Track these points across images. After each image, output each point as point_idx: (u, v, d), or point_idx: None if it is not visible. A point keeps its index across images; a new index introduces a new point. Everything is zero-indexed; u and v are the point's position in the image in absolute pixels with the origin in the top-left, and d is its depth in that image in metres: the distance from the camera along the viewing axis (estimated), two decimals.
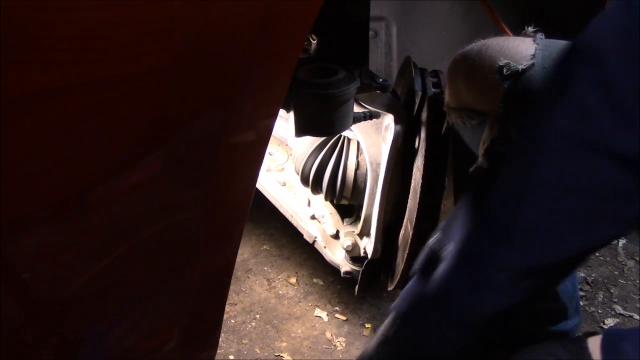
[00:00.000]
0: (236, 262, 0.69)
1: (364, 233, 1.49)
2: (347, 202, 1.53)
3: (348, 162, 1.47)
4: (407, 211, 1.30)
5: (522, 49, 0.81)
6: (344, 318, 1.71)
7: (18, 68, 0.42)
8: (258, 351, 1.60)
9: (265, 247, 1.99)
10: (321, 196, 1.55)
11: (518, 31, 0.89)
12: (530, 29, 0.86)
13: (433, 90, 1.16)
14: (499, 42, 0.85)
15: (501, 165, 0.68)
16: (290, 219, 1.71)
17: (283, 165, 1.86)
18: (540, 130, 0.63)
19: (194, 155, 0.55)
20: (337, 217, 1.61)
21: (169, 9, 0.46)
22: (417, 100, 1.19)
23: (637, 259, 1.92)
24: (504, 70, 0.79)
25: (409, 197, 1.30)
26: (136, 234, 0.56)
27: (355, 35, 0.86)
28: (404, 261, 1.27)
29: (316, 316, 1.72)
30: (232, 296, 1.77)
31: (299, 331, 1.67)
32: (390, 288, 1.44)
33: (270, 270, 1.89)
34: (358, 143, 1.44)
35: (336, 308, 1.74)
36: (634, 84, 0.55)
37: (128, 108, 0.49)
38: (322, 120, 0.82)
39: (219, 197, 0.60)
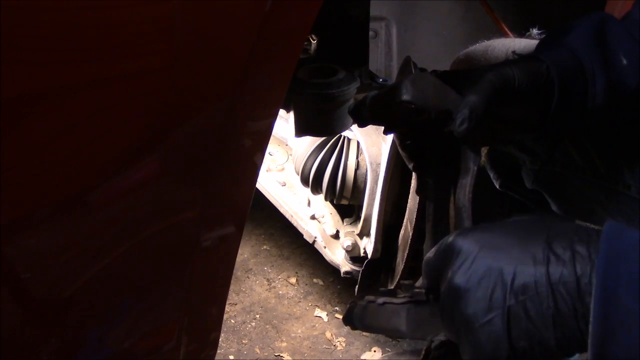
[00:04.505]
0: (236, 262, 0.69)
1: (364, 233, 1.49)
2: (347, 202, 1.53)
3: (348, 162, 1.47)
4: (407, 211, 1.30)
5: (529, 51, 0.80)
6: None
7: (18, 68, 0.42)
8: (258, 351, 1.60)
9: (265, 247, 1.99)
10: (321, 196, 1.55)
11: (520, 32, 0.88)
12: (535, 30, 0.85)
13: None
14: (504, 42, 0.85)
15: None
16: (290, 219, 1.71)
17: (283, 165, 1.86)
18: None
19: (194, 155, 0.55)
20: (337, 217, 1.61)
21: (169, 9, 0.46)
22: None
23: None
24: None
25: (409, 197, 1.30)
26: (136, 234, 0.56)
27: (355, 35, 0.85)
28: (404, 261, 1.27)
29: (316, 316, 1.72)
30: (232, 296, 1.77)
31: (299, 331, 1.67)
32: (390, 288, 1.44)
33: (270, 270, 1.89)
34: (358, 143, 1.44)
35: (336, 308, 1.74)
36: None
37: (127, 108, 0.48)
38: (322, 120, 0.82)
39: (219, 197, 0.60)
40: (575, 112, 0.64)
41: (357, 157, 1.47)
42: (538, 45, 0.69)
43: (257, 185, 0.86)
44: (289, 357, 1.59)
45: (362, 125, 0.70)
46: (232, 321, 1.69)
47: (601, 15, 0.66)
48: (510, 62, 0.65)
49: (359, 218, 1.50)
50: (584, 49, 0.63)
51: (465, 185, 0.59)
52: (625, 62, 0.63)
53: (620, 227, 0.47)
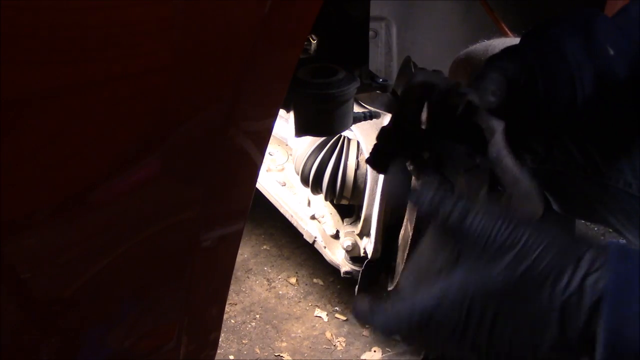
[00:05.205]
0: (236, 262, 0.69)
1: (364, 233, 1.49)
2: (347, 202, 1.53)
3: (348, 162, 1.47)
4: (407, 211, 1.30)
5: None
6: (344, 318, 1.71)
7: (18, 68, 0.42)
8: (258, 351, 1.60)
9: (265, 247, 1.99)
10: (321, 196, 1.55)
11: (520, 32, 0.88)
12: None
13: None
14: (504, 42, 0.85)
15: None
16: (290, 219, 1.71)
17: (283, 165, 1.86)
18: None
19: (194, 155, 0.55)
20: (337, 217, 1.61)
21: (169, 9, 0.46)
22: None
23: None
24: None
25: None
26: (136, 234, 0.56)
27: (355, 35, 0.85)
28: (404, 261, 1.27)
29: (316, 316, 1.72)
30: (232, 296, 1.77)
31: (299, 331, 1.67)
32: (390, 288, 1.44)
33: (270, 270, 1.89)
34: (358, 143, 1.44)
35: (336, 308, 1.74)
36: None
37: (128, 108, 0.49)
38: (322, 120, 0.82)
39: (219, 197, 0.60)
40: (565, 101, 0.64)
41: (357, 157, 1.47)
42: (522, 38, 0.69)
43: (257, 185, 0.86)
44: (289, 357, 1.59)
45: (382, 170, 0.69)
46: (232, 321, 1.69)
47: (589, 11, 0.66)
48: (492, 56, 0.66)
49: (359, 218, 1.50)
50: (568, 40, 0.64)
51: (495, 142, 0.58)
52: (612, 52, 0.63)
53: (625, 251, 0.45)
